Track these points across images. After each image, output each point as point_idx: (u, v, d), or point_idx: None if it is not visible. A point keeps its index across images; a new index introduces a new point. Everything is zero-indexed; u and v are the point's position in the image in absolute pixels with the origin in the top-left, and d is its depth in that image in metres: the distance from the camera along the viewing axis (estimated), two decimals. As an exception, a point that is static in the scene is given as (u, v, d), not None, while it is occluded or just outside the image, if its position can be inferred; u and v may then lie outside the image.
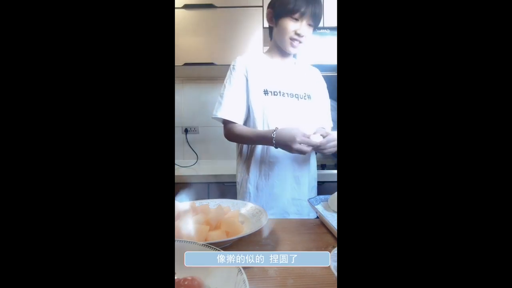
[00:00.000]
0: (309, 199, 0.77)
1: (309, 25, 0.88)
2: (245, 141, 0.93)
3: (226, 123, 0.93)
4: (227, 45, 1.63)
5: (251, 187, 0.93)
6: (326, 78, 1.86)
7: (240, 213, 0.68)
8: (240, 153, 0.98)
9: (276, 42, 0.95)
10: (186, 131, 1.93)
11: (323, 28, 1.65)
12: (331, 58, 1.65)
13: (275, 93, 0.92)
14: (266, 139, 0.84)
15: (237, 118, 0.92)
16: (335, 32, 1.63)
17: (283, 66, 0.97)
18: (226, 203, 0.72)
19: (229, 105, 0.91)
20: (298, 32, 0.87)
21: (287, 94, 0.94)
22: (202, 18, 1.66)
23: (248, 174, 0.94)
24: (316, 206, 0.74)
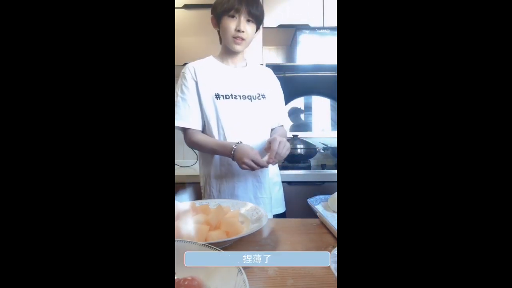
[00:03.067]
0: (309, 199, 0.77)
1: (248, 20, 0.91)
2: (205, 150, 0.95)
3: (184, 130, 0.95)
4: (227, 45, 1.63)
5: (214, 190, 0.95)
6: (326, 78, 1.87)
7: (240, 213, 0.67)
8: (200, 157, 1.00)
9: (224, 45, 0.97)
10: (186, 131, 1.93)
11: (323, 28, 1.66)
12: (331, 58, 1.65)
13: (227, 97, 0.93)
14: (225, 152, 0.87)
15: (195, 125, 0.93)
16: (335, 32, 1.63)
17: (234, 69, 0.98)
18: (226, 203, 0.72)
19: (184, 113, 0.92)
20: (238, 28, 0.89)
21: (239, 96, 0.95)
22: (202, 18, 1.66)
23: (210, 178, 0.95)
24: (316, 206, 0.74)
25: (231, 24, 0.90)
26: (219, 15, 0.91)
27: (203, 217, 0.60)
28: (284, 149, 0.85)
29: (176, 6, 1.63)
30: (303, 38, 1.68)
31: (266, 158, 0.84)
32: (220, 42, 0.99)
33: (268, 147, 0.86)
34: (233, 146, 0.84)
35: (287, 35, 1.75)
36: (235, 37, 0.91)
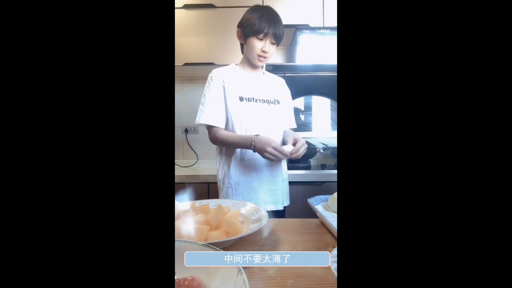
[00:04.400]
0: (309, 199, 0.77)
1: (272, 43, 1.04)
2: (228, 145, 1.06)
3: (209, 128, 1.06)
4: (227, 45, 1.64)
5: (232, 183, 1.06)
6: (326, 78, 1.86)
7: (240, 213, 0.67)
8: (220, 153, 1.11)
9: (246, 56, 1.10)
10: (186, 131, 1.93)
11: (323, 28, 1.65)
12: (331, 58, 1.65)
13: (249, 100, 1.07)
14: (246, 144, 0.98)
15: (219, 123, 1.05)
16: (335, 32, 1.63)
17: (254, 76, 1.12)
18: (226, 203, 0.72)
19: (211, 112, 1.04)
20: (263, 49, 1.03)
21: (260, 100, 1.09)
22: (202, 18, 1.66)
23: (229, 172, 1.06)
24: (316, 206, 0.74)
25: (257, 45, 1.02)
26: (247, 33, 1.03)
27: (203, 217, 0.60)
28: (305, 150, 0.97)
29: (176, 6, 1.63)
30: (303, 38, 1.68)
31: (288, 150, 0.93)
32: (242, 53, 1.12)
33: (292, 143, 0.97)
34: (253, 138, 0.95)
35: (287, 35, 1.74)
36: (259, 56, 1.04)
